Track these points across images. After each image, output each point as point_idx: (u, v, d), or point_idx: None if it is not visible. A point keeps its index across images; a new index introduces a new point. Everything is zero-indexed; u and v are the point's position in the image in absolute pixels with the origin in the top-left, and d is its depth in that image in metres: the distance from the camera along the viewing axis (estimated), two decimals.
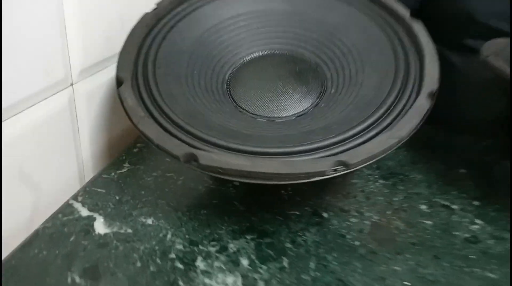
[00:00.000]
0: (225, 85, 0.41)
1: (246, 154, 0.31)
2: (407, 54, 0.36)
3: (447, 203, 0.41)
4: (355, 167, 0.30)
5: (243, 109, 0.39)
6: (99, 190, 0.39)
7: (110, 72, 0.44)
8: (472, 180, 0.45)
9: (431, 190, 0.42)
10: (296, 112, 0.38)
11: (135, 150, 0.45)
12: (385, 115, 0.33)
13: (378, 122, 0.33)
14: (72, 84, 0.39)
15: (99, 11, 0.40)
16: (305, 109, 0.38)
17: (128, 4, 0.44)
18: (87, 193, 0.38)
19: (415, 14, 0.39)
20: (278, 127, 0.36)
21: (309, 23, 0.43)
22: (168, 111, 0.34)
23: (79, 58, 0.39)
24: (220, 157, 0.31)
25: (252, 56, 0.43)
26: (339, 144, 0.31)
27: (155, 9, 0.42)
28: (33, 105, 0.35)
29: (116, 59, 0.44)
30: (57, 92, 0.38)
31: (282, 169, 0.29)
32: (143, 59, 0.38)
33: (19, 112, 0.33)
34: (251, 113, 0.39)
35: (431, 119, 0.36)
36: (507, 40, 0.48)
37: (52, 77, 0.37)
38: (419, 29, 0.38)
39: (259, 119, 0.38)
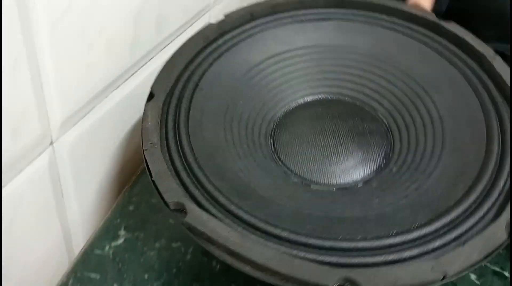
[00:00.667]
0: (271, 124, 0.34)
1: (244, 225, 0.25)
2: (504, 153, 0.28)
3: (498, 269, 0.36)
4: None
5: (278, 158, 0.33)
6: (92, 275, 0.32)
7: (95, 114, 0.36)
8: None
9: None
10: (338, 183, 0.31)
11: (130, 208, 0.37)
12: (442, 231, 0.25)
13: (427, 239, 0.25)
14: (52, 143, 0.31)
15: (77, 38, 0.31)
16: (351, 184, 0.31)
17: (104, 18, 0.35)
18: (78, 280, 0.31)
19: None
20: (307, 198, 0.30)
21: (393, 71, 0.35)
22: (185, 141, 0.29)
23: (59, 110, 0.31)
24: (209, 220, 0.24)
25: (312, 98, 0.36)
26: (356, 253, 0.24)
27: (222, 20, 0.36)
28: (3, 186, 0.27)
29: (103, 95, 0.36)
30: (33, 160, 0.30)
31: (274, 263, 0.23)
32: (188, 76, 0.33)
33: None
34: (285, 166, 0.32)
35: None
36: None
37: (26, 143, 0.29)
38: None
39: (292, 177, 0.31)
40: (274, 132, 0.34)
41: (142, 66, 0.41)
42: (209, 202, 0.26)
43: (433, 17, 0.36)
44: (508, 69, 0.32)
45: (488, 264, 0.36)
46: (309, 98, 0.36)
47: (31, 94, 0.28)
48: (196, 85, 0.32)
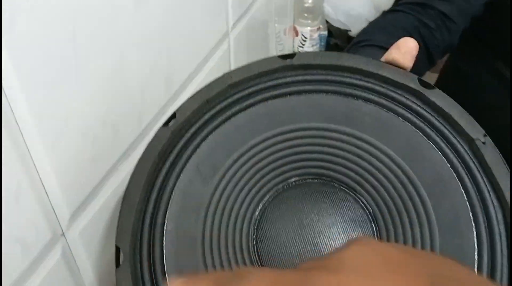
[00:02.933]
0: (251, 233, 0.31)
1: None
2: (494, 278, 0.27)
3: None
4: None
5: None
6: None
7: (101, 197, 0.37)
8: None
9: None
10: None
11: None
12: None
13: None
14: (63, 234, 0.34)
15: (75, 125, 0.31)
16: None
17: (108, 108, 0.35)
18: None
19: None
20: None
21: (378, 156, 0.32)
22: None
23: (65, 205, 0.33)
24: None
25: (289, 183, 0.33)
26: None
27: (173, 117, 0.32)
28: None
29: (107, 178, 0.37)
30: (45, 257, 0.33)
31: None
32: (151, 215, 0.30)
33: None
34: None
35: None
36: None
37: (37, 247, 0.31)
38: None
39: None
40: (256, 246, 0.31)
41: (152, 128, 0.42)
42: None
43: (416, 85, 0.32)
44: (500, 159, 0.29)
45: None
46: (283, 186, 0.33)
47: (36, 206, 0.30)
48: (164, 222, 0.30)
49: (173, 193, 0.31)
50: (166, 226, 0.30)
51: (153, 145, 0.32)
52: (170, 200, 0.31)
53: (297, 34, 0.89)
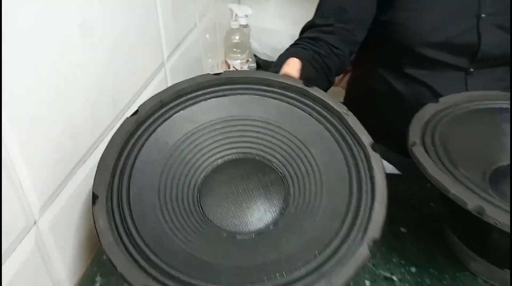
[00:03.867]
0: (196, 190, 0.44)
1: None
2: (361, 190, 0.40)
3: (388, 274, 0.46)
4: None
5: (208, 219, 0.43)
6: None
7: (66, 192, 0.46)
8: (412, 242, 0.50)
9: (375, 260, 0.48)
10: (256, 230, 0.42)
11: (104, 257, 0.48)
12: (328, 259, 0.36)
13: (320, 266, 0.36)
14: (35, 222, 0.42)
15: (43, 135, 0.41)
16: (266, 226, 0.42)
17: (65, 121, 0.45)
18: None
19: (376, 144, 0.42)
20: (236, 250, 0.40)
21: (280, 131, 0.46)
22: (136, 236, 0.38)
23: (36, 196, 0.41)
24: None
25: (225, 159, 0.47)
26: None
27: (136, 112, 0.44)
28: None
29: (70, 175, 0.46)
30: (20, 241, 0.40)
31: None
32: (120, 172, 0.41)
33: None
34: (215, 224, 0.42)
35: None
36: (438, 107, 0.51)
37: (13, 232, 0.38)
38: (376, 163, 0.41)
39: (221, 232, 0.42)
40: (200, 198, 0.44)
41: (103, 140, 0.51)
42: (165, 278, 0.36)
43: (301, 85, 0.48)
44: (358, 122, 0.44)
45: (381, 271, 0.47)
46: (220, 161, 0.47)
47: (15, 200, 0.38)
48: (130, 178, 0.41)
49: (137, 158, 0.42)
50: (132, 178, 0.41)
51: (122, 129, 0.43)
52: (135, 164, 0.42)
53: (229, 67, 1.02)
